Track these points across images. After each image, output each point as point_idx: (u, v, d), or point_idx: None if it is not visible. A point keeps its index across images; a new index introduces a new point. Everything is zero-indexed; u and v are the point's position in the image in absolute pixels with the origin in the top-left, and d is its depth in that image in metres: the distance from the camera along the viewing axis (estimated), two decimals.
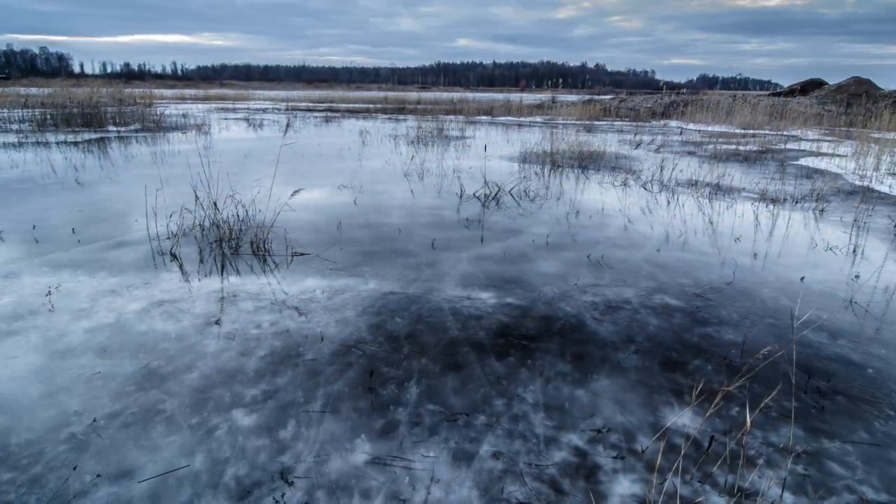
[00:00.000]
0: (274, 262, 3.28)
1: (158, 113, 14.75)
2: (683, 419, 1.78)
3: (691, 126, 15.20)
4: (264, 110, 20.78)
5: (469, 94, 36.43)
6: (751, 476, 1.52)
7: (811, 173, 6.80)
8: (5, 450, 1.60)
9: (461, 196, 5.23)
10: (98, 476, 1.49)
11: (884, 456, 1.62)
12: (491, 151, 8.81)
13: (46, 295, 2.71)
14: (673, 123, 16.33)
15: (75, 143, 8.91)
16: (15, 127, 11.05)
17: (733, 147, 9.45)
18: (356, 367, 2.08)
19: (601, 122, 16.61)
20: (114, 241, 3.60)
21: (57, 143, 8.82)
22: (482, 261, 3.36)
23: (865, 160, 7.51)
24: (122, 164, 6.83)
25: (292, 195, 4.34)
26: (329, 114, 19.08)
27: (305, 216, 4.34)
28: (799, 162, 8.01)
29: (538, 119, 17.56)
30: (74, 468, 1.52)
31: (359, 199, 5.01)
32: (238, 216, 3.98)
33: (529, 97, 30.77)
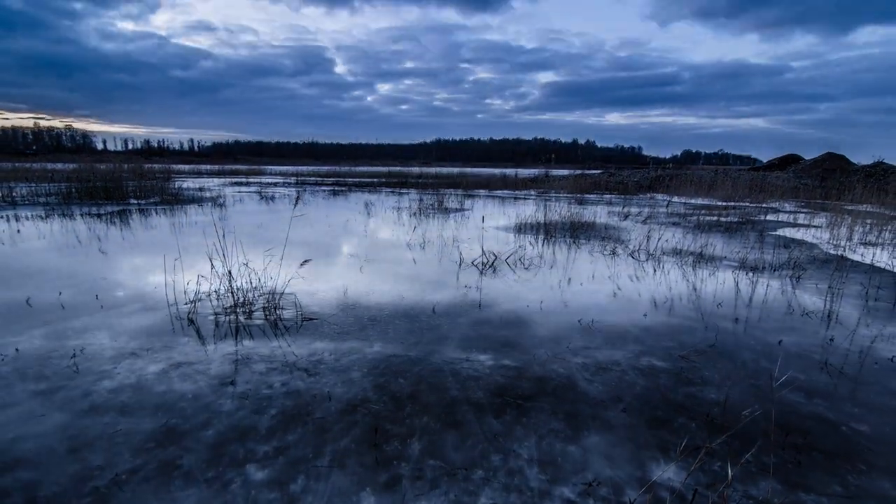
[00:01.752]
0: (285, 327, 3.43)
1: (176, 187, 15.46)
2: (669, 473, 1.87)
3: (676, 198, 15.87)
4: (275, 184, 21.70)
5: (468, 169, 38.11)
6: None
7: (788, 243, 7.10)
8: (33, 502, 1.68)
9: (460, 264, 5.47)
10: None
11: None
12: (488, 223, 9.20)
13: (72, 357, 2.84)
14: (659, 196, 17.05)
15: (98, 215, 9.32)
16: (42, 200, 11.57)
17: (715, 218, 9.88)
18: (362, 425, 2.18)
19: (591, 195, 17.33)
20: (135, 307, 3.77)
21: (81, 215, 9.23)
22: (480, 325, 3.51)
23: (839, 231, 7.86)
24: (143, 235, 7.14)
25: (302, 264, 4.56)
26: (336, 187, 19.91)
27: (314, 283, 4.54)
28: (777, 232, 8.36)
29: (532, 192, 18.33)
30: None
31: (364, 267, 5.24)
32: (251, 283, 4.18)
33: (524, 171, 32.18)
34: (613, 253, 6.33)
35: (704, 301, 4.22)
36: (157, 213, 10.00)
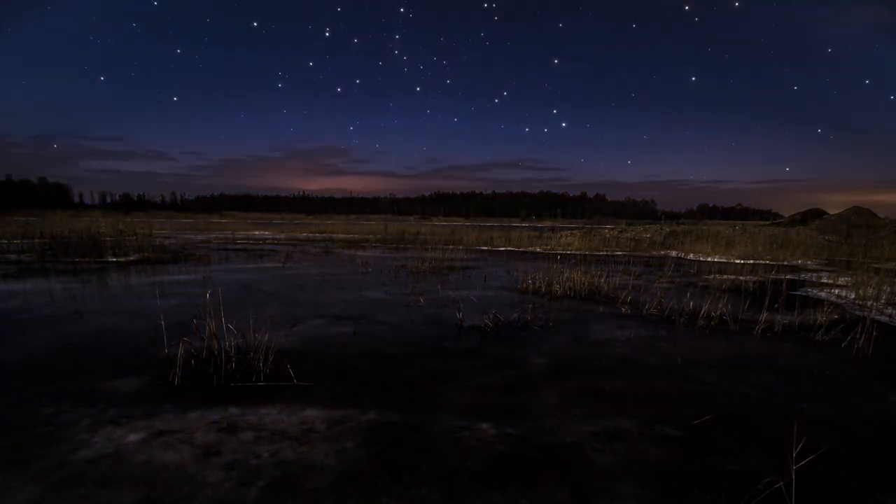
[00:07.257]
0: (273, 393, 3.51)
1: (157, 243, 15.80)
2: None
3: (691, 256, 16.18)
4: (263, 240, 22.13)
5: (469, 225, 38.95)
6: None
7: (811, 303, 7.25)
8: None
9: (461, 326, 5.59)
10: None
11: None
12: (491, 282, 9.39)
13: (46, 425, 2.91)
14: (673, 254, 17.38)
15: (74, 274, 9.52)
16: (14, 258, 11.82)
17: (733, 277, 10.09)
18: (356, 498, 2.24)
19: (601, 253, 17.66)
20: (113, 372, 3.86)
21: (56, 274, 9.44)
22: (482, 391, 3.59)
23: (866, 290, 8.03)
24: (122, 295, 7.30)
25: (292, 327, 4.70)
26: (329, 245, 20.30)
27: (305, 346, 4.64)
28: (799, 292, 8.54)
29: (538, 249, 18.69)
30: None
31: (359, 330, 5.35)
32: (237, 347, 4.29)
33: (529, 227, 32.88)
34: (624, 315, 6.46)
35: (721, 365, 4.31)
36: (137, 272, 10.21)
